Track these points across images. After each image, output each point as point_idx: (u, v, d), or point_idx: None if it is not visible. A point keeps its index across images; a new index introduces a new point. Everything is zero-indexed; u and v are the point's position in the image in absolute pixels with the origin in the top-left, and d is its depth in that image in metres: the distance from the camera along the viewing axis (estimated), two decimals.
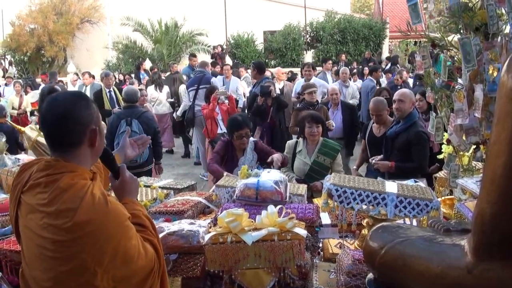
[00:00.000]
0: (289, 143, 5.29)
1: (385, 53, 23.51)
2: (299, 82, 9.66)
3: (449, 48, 3.23)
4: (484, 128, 2.85)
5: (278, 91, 9.35)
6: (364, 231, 2.89)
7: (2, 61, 24.08)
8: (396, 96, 5.12)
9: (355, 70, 15.63)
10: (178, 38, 23.15)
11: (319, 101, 7.81)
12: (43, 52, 24.74)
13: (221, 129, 8.04)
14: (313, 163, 4.91)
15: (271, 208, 2.43)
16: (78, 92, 1.97)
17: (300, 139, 5.15)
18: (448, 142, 3.37)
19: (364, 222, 2.89)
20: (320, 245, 2.95)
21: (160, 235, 2.56)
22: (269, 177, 2.96)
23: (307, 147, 5.04)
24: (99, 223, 1.63)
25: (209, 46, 22.16)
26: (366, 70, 14.98)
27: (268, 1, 24.81)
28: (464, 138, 3.01)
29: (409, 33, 3.83)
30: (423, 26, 3.71)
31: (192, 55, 13.14)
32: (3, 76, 15.96)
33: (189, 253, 2.66)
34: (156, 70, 13.73)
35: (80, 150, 1.76)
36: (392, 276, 1.89)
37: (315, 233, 3.05)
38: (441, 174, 3.87)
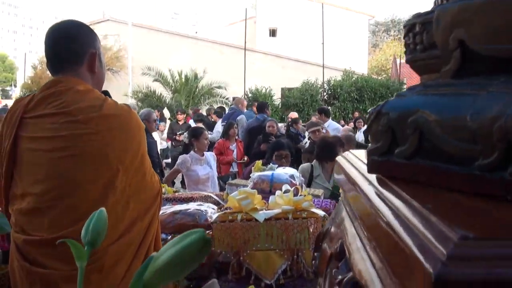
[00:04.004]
0: (303, 166, 4.94)
1: None
2: None
3: None
4: None
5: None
6: None
7: None
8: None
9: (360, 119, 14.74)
10: (197, 89, 23.41)
11: None
12: None
13: (232, 168, 7.86)
14: (334, 188, 4.64)
15: (286, 187, 2.27)
16: (82, 22, 1.92)
17: (316, 163, 4.82)
18: None
19: None
20: None
21: (166, 213, 2.40)
22: (284, 171, 2.81)
23: (323, 171, 4.78)
24: (124, 119, 1.65)
25: (227, 99, 22.30)
26: None
27: (287, 59, 25.21)
28: None
29: None
30: None
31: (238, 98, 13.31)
32: None
33: None
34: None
35: (80, 70, 1.71)
36: None
37: None
38: None
